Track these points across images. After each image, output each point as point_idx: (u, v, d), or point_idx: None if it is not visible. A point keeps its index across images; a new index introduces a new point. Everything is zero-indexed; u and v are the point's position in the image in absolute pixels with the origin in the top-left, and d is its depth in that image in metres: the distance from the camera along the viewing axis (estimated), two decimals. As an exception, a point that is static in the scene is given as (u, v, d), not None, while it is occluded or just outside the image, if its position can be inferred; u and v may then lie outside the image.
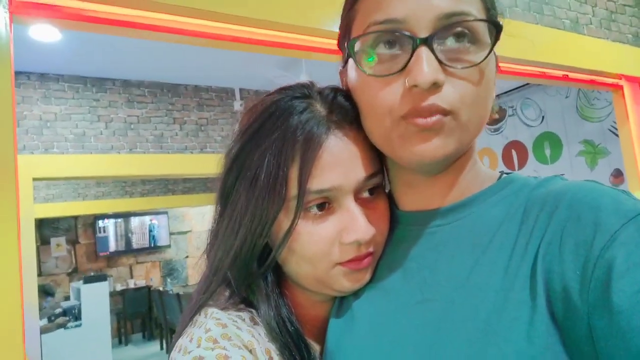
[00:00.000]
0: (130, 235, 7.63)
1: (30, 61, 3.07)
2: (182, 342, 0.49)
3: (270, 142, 0.50)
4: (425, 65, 0.43)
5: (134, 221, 7.69)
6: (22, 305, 0.85)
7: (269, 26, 1.34)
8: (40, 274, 6.67)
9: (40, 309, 4.38)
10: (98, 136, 3.42)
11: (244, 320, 0.52)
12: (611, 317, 0.36)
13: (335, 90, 0.55)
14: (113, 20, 1.18)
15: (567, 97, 4.12)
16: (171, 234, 8.00)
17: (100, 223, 7.39)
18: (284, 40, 1.42)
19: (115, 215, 7.41)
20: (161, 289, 6.66)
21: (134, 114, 3.60)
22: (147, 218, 7.78)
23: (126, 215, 7.51)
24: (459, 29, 0.45)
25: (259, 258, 0.54)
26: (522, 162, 4.50)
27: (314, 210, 0.51)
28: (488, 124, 4.30)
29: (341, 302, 0.59)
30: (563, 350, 0.39)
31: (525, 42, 1.80)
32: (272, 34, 1.38)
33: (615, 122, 3.29)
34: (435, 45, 0.44)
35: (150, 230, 7.83)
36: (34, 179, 3.09)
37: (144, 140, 3.59)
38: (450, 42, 0.45)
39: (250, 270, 0.54)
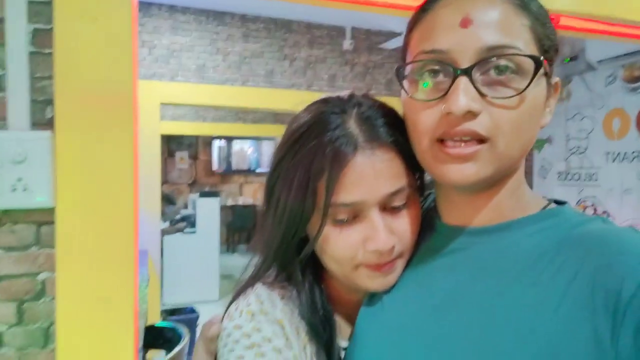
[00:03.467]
0: (241, 157, 8.42)
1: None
2: (231, 309, 0.60)
3: (304, 153, 0.56)
4: (462, 94, 0.46)
5: (246, 144, 8.46)
6: (135, 207, 1.08)
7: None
8: (166, 182, 7.70)
9: (163, 214, 5.12)
10: (216, 68, 3.74)
11: (282, 298, 0.60)
12: None
13: (372, 105, 0.59)
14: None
15: None
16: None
17: (217, 143, 8.23)
18: None
19: (228, 138, 8.19)
20: (265, 209, 7.25)
21: (249, 48, 3.84)
22: (258, 142, 8.48)
23: (238, 138, 8.25)
24: (501, 61, 0.46)
25: (299, 247, 0.61)
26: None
27: (342, 217, 0.56)
28: (627, 80, 3.71)
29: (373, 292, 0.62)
30: None
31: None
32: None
33: None
34: (476, 76, 0.46)
35: (260, 155, 8.52)
36: (162, 104, 3.52)
37: (255, 75, 3.84)
38: (492, 73, 0.47)
39: (291, 258, 0.61)
